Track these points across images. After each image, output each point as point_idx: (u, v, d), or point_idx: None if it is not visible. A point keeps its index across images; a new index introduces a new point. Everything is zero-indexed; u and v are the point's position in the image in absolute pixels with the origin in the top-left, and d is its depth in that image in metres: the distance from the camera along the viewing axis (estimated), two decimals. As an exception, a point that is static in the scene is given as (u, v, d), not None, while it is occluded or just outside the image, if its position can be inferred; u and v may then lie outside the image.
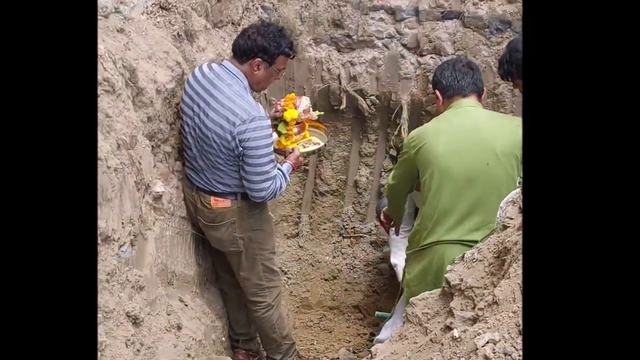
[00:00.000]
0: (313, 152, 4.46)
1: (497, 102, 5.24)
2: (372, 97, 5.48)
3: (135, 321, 3.08)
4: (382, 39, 5.38)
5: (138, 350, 3.06)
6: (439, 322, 2.46)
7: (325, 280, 5.79)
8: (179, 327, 3.64)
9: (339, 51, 5.46)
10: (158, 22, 3.93)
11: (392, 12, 5.33)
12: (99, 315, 2.79)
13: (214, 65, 3.88)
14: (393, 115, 5.50)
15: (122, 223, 3.07)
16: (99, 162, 2.84)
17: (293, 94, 4.42)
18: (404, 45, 5.38)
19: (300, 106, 4.27)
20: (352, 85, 5.44)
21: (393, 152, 5.57)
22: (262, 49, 3.81)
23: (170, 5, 4.03)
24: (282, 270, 5.51)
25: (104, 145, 2.93)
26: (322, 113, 4.62)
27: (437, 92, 4.07)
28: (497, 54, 5.05)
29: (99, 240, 2.84)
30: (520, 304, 1.95)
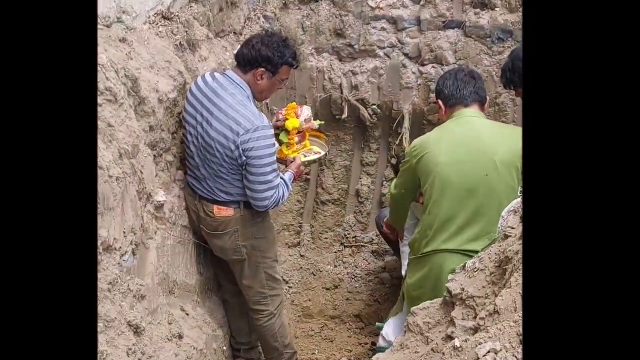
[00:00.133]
0: (314, 161, 4.46)
1: (498, 111, 5.25)
2: (374, 107, 5.49)
3: (137, 330, 3.08)
4: (384, 48, 5.40)
5: (139, 360, 3.06)
6: (440, 332, 2.46)
7: (327, 289, 5.78)
8: (181, 337, 3.64)
9: (340, 61, 5.47)
10: (160, 31, 3.94)
11: (393, 21, 5.34)
12: (101, 324, 2.79)
13: (217, 74, 3.88)
14: (395, 125, 5.51)
15: (124, 232, 3.08)
16: (101, 172, 2.85)
17: (294, 103, 4.43)
18: (406, 55, 5.40)
19: (301, 115, 4.27)
20: (354, 94, 5.46)
21: (395, 162, 5.57)
22: (266, 59, 3.81)
23: (172, 15, 4.05)
24: (284, 280, 5.50)
25: (106, 155, 2.94)
26: (323, 122, 4.63)
27: (440, 101, 4.09)
28: (499, 64, 5.06)
29: (100, 250, 2.85)
30: (521, 314, 1.94)
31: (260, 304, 4.30)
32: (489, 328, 2.05)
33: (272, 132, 3.87)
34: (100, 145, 2.91)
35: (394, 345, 2.72)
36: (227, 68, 4.34)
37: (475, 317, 2.25)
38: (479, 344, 2.00)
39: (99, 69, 3.00)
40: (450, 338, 2.30)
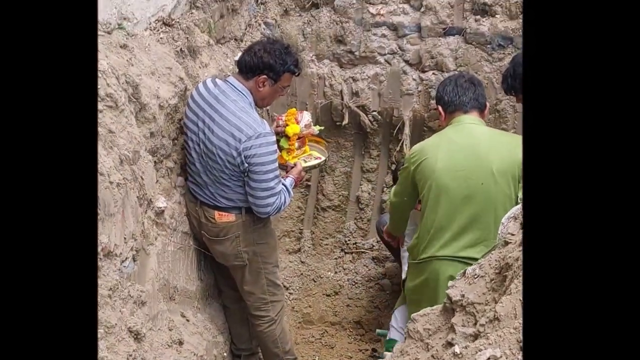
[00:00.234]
0: (314, 166, 4.47)
1: (498, 118, 5.25)
2: (374, 113, 5.50)
3: (137, 336, 3.08)
4: (384, 55, 5.40)
5: (140, 366, 3.06)
6: (440, 338, 2.46)
7: (327, 295, 5.78)
8: (181, 343, 3.64)
9: (341, 67, 5.48)
10: (161, 38, 3.95)
11: (394, 28, 5.35)
12: (101, 330, 2.79)
13: (218, 80, 3.89)
14: (395, 131, 5.52)
15: (125, 238, 3.08)
16: (102, 178, 2.85)
17: (294, 109, 4.44)
18: (406, 62, 5.40)
19: (302, 121, 4.28)
20: (354, 101, 5.46)
21: (395, 168, 5.57)
22: (268, 66, 3.82)
23: (173, 22, 4.06)
24: (284, 286, 5.50)
25: (107, 161, 2.94)
26: (323, 128, 4.64)
27: (440, 107, 4.10)
28: (499, 70, 5.07)
29: (101, 256, 2.85)
30: (521, 320, 1.94)
31: (260, 309, 4.30)
32: (489, 334, 2.05)
33: (274, 138, 3.88)
34: (101, 151, 2.92)
35: (394, 351, 2.72)
36: (227, 74, 4.34)
37: (475, 324, 2.24)
38: (479, 351, 2.00)
39: (99, 75, 3.00)
40: (450, 344, 2.30)
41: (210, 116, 3.77)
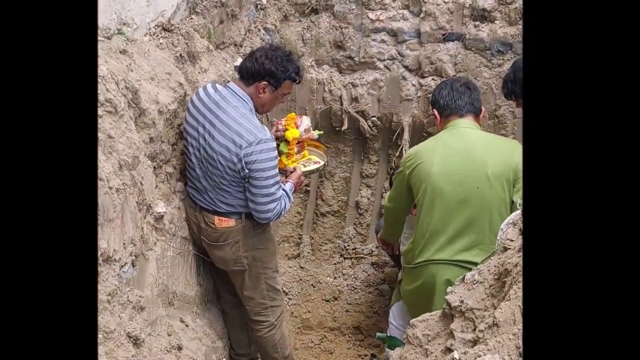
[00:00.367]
0: (313, 171, 4.47)
1: (498, 123, 5.25)
2: (374, 119, 5.50)
3: (136, 342, 3.08)
4: (384, 60, 5.40)
5: (138, 371, 3.06)
6: (439, 344, 2.46)
7: (326, 301, 5.77)
8: (180, 348, 3.64)
9: (340, 72, 5.48)
10: (161, 43, 3.95)
11: (393, 34, 5.35)
12: (100, 335, 2.79)
13: (218, 86, 3.89)
14: (394, 137, 5.51)
15: (124, 243, 3.08)
16: (101, 183, 2.86)
17: (294, 114, 4.44)
18: (406, 67, 5.40)
19: (301, 125, 4.28)
20: (354, 106, 5.46)
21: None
22: (269, 73, 3.82)
23: (172, 27, 4.06)
24: (283, 291, 5.49)
25: (106, 166, 2.94)
26: (322, 132, 4.65)
27: (435, 111, 4.13)
28: (498, 76, 5.07)
29: (100, 261, 2.85)
30: (520, 326, 1.94)
31: (260, 314, 4.30)
32: (488, 340, 2.05)
33: (275, 144, 3.88)
34: (100, 156, 2.92)
35: (393, 357, 2.72)
36: (227, 80, 4.34)
37: (475, 330, 2.24)
38: (478, 357, 2.00)
39: (99, 80, 3.01)
40: (449, 350, 2.30)
41: (211, 122, 3.77)
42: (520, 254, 2.17)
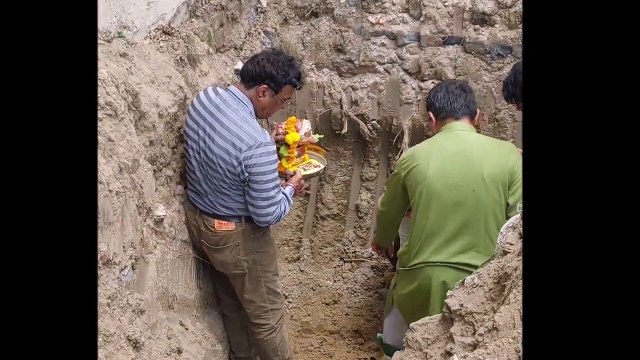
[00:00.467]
0: (314, 175, 4.47)
1: (498, 127, 5.26)
2: (374, 122, 5.50)
3: (136, 345, 3.07)
4: (384, 64, 5.41)
5: (138, 375, 3.05)
6: (439, 348, 2.46)
7: (326, 304, 5.77)
8: (180, 352, 3.63)
9: (340, 76, 5.48)
10: (161, 47, 3.95)
11: (394, 37, 5.36)
12: (100, 339, 2.78)
13: (219, 89, 3.89)
14: (394, 140, 5.52)
15: (124, 247, 3.07)
16: (101, 186, 2.85)
17: (294, 118, 4.45)
18: (406, 71, 5.41)
19: (302, 129, 4.29)
20: (354, 110, 5.46)
21: (392, 176, 5.59)
22: (270, 77, 3.83)
23: (173, 31, 4.06)
24: (284, 295, 5.49)
25: (107, 170, 2.94)
26: (323, 136, 4.65)
27: (431, 113, 4.13)
28: (499, 80, 5.08)
29: (100, 264, 2.85)
30: (520, 330, 1.94)
31: (261, 318, 4.30)
32: (488, 344, 2.05)
33: (275, 148, 3.89)
34: (101, 159, 2.92)
35: (393, 361, 2.72)
36: (228, 83, 4.35)
37: (474, 334, 2.24)
38: (478, 360, 2.00)
39: (99, 83, 3.01)
40: (449, 354, 2.30)
41: (212, 125, 3.77)
42: (520, 258, 2.17)
